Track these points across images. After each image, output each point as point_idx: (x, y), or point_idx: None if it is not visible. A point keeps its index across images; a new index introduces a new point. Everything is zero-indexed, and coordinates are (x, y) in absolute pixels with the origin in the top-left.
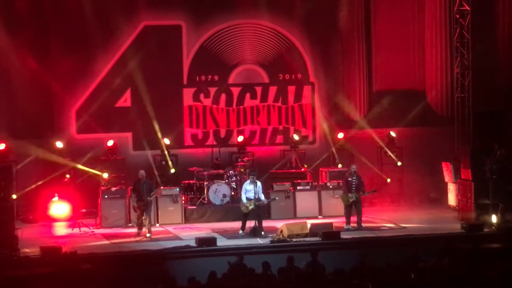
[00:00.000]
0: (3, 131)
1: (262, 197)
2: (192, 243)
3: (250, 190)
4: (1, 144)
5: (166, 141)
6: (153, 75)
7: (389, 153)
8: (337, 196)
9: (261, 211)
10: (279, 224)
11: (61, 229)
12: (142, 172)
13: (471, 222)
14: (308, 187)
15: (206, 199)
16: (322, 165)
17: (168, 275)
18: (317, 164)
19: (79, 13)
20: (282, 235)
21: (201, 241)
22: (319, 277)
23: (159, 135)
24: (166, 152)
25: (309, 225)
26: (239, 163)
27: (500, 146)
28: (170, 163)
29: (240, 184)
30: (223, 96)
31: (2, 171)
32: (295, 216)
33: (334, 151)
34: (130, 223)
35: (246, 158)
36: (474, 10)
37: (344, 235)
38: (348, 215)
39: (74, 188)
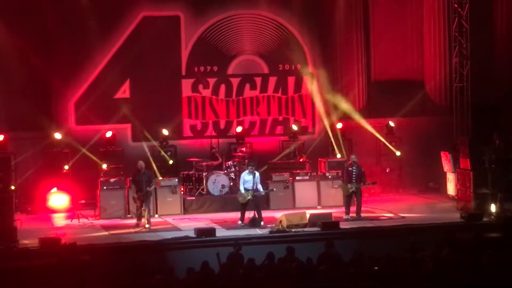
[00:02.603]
0: (2, 123)
1: (260, 187)
2: (191, 234)
3: (249, 180)
4: (0, 135)
5: (165, 132)
6: (152, 66)
7: (387, 144)
8: (336, 186)
9: (260, 202)
10: (278, 215)
11: (60, 220)
12: (141, 163)
13: (470, 212)
14: (307, 177)
15: (205, 190)
16: (321, 155)
17: (167, 266)
18: (312, 151)
19: (77, 4)
20: (281, 226)
21: (200, 231)
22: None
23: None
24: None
25: (308, 215)
26: (236, 154)
27: (499, 136)
28: (166, 155)
29: (238, 174)
30: (222, 87)
31: (1, 162)
32: (294, 207)
33: (333, 141)
34: (129, 214)
35: (244, 148)
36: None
37: (343, 225)
38: (347, 205)
39: (73, 179)
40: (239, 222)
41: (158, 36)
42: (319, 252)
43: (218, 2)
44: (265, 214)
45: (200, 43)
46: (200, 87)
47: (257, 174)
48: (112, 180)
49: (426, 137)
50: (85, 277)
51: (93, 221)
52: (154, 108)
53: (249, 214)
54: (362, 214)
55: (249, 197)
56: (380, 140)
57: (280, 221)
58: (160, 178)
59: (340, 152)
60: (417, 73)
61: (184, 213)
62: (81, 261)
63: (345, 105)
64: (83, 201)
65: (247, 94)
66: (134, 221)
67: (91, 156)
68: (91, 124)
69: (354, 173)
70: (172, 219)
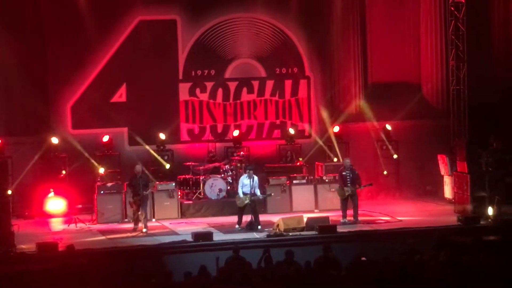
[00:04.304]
0: None
1: (258, 192)
2: (189, 238)
3: (247, 184)
4: None
5: (162, 136)
6: (149, 70)
7: (388, 145)
8: (333, 189)
9: (257, 206)
10: (276, 218)
11: (57, 225)
12: (138, 167)
13: (468, 215)
14: (304, 181)
15: (202, 194)
16: (318, 159)
17: (164, 270)
18: (311, 156)
19: (74, 8)
20: (279, 229)
21: (197, 236)
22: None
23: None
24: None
25: (305, 219)
26: (234, 158)
27: (496, 138)
28: (162, 160)
29: (236, 178)
30: (219, 91)
31: None
32: (291, 210)
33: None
34: (126, 218)
35: (242, 152)
36: (468, 3)
37: (340, 229)
38: (344, 208)
39: (70, 184)
40: (237, 226)
41: (154, 40)
42: (316, 255)
43: (214, 6)
44: (262, 218)
45: (197, 47)
46: (198, 91)
47: (255, 178)
48: (109, 184)
49: (423, 140)
50: (82, 282)
51: (90, 226)
52: (151, 112)
53: (246, 218)
54: (359, 218)
55: (247, 201)
56: (377, 143)
57: (277, 225)
58: (156, 182)
59: (335, 156)
60: (414, 76)
61: (181, 217)
62: (79, 266)
63: (341, 108)
64: (80, 206)
65: (245, 98)
66: (131, 225)
67: (91, 160)
68: (87, 128)
69: (348, 177)
70: (169, 223)
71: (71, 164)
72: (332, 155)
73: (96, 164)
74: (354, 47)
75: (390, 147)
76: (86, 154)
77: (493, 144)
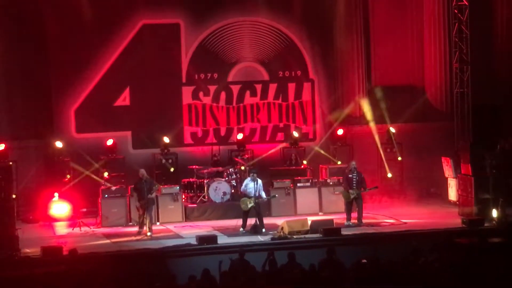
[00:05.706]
0: (3, 132)
1: (263, 194)
2: (193, 241)
3: (251, 188)
4: (1, 144)
5: (166, 139)
6: (152, 73)
7: (395, 146)
8: (337, 192)
9: (262, 209)
10: (280, 221)
11: (61, 228)
12: (142, 171)
13: (472, 217)
14: (308, 184)
15: (206, 197)
16: (322, 162)
17: (169, 273)
18: (313, 157)
19: (77, 12)
20: (283, 232)
21: (202, 239)
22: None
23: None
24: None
25: (309, 222)
26: (238, 160)
27: (505, 141)
28: (167, 163)
29: (240, 181)
30: (222, 94)
31: (2, 171)
32: (295, 213)
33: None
34: (130, 222)
35: (246, 155)
36: (472, 5)
37: (344, 232)
38: (349, 211)
39: (74, 188)
40: (241, 229)
41: (158, 44)
42: (320, 258)
43: (217, 10)
44: (266, 220)
45: (200, 51)
46: (201, 94)
47: (259, 181)
48: (113, 188)
49: (427, 143)
50: (87, 286)
51: (94, 229)
52: (154, 116)
53: (251, 221)
54: (364, 220)
55: (251, 204)
56: (381, 146)
57: (282, 228)
58: (161, 186)
59: (335, 159)
60: (417, 79)
61: (185, 221)
62: (83, 270)
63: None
64: (84, 210)
65: (248, 101)
66: (135, 229)
67: (95, 163)
68: (91, 132)
69: (354, 179)
70: (174, 226)
71: (75, 168)
72: (335, 159)
73: (100, 167)
74: (357, 49)
75: (395, 149)
76: (90, 158)
77: (498, 147)
